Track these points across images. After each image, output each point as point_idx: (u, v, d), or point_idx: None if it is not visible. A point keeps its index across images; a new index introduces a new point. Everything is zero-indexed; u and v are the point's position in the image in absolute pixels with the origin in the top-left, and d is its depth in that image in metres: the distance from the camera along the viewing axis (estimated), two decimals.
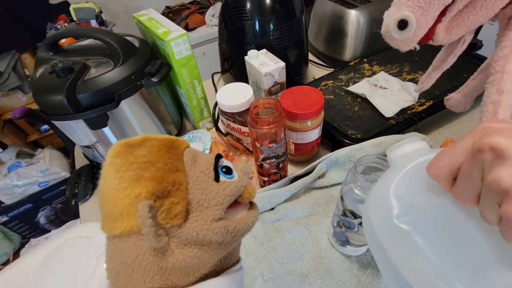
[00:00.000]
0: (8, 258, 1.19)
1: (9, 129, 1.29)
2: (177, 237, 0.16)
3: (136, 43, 0.51)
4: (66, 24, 1.38)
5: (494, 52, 0.31)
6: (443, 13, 0.29)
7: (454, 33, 0.30)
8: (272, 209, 0.46)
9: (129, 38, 0.52)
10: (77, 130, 0.47)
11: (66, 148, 1.30)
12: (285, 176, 0.48)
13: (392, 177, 0.21)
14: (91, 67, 0.47)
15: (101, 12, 1.35)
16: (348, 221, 0.33)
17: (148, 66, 0.48)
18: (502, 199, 0.14)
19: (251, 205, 0.21)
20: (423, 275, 0.18)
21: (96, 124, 0.46)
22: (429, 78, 0.40)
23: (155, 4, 1.58)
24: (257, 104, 0.40)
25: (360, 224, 0.32)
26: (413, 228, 0.19)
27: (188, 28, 1.40)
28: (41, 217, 1.21)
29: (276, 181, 0.47)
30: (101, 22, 1.33)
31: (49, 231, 1.23)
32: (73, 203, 0.53)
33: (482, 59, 0.60)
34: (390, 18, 0.30)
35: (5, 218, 1.13)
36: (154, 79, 0.48)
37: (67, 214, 1.25)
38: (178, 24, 1.40)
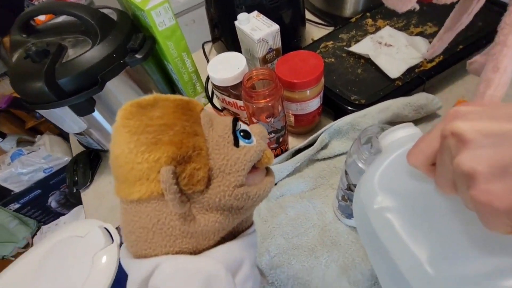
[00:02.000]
0: (28, 242, 1.24)
1: (5, 118, 1.27)
2: (199, 202, 0.16)
3: (115, 16, 0.46)
4: None
5: (503, 17, 0.27)
6: None
7: None
8: (275, 184, 0.45)
9: (105, 11, 0.47)
10: (65, 118, 0.45)
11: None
12: (286, 150, 0.46)
13: (378, 164, 0.20)
14: (68, 48, 0.43)
15: None
16: (353, 195, 0.31)
17: (130, 42, 0.44)
18: (468, 183, 0.13)
19: (267, 170, 0.21)
20: (405, 259, 0.18)
21: (83, 110, 0.43)
22: (441, 41, 0.36)
23: None
24: (250, 76, 0.37)
25: None
26: (394, 215, 0.18)
27: None
28: (52, 202, 1.24)
29: (277, 156, 0.45)
30: None
31: (63, 214, 1.27)
32: (74, 191, 0.53)
33: (501, 4, 0.54)
34: None
35: (17, 205, 1.16)
36: (138, 56, 0.44)
37: (77, 197, 1.27)
38: None
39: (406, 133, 0.21)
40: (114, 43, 0.43)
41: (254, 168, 0.19)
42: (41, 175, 1.15)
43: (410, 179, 0.19)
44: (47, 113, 0.44)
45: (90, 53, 0.41)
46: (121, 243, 0.26)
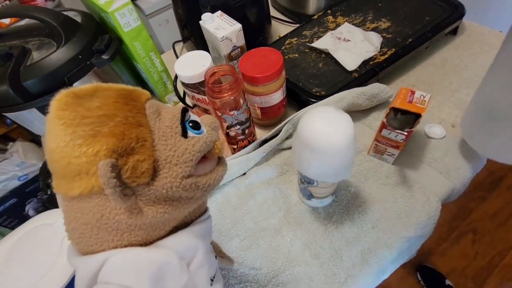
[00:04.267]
0: None
1: None
2: (145, 195, 0.16)
3: (79, 18, 0.47)
4: (7, 1, 1.24)
5: None
6: None
7: None
8: (244, 174, 0.47)
9: (70, 13, 0.48)
10: (34, 120, 0.45)
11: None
12: (253, 141, 0.49)
13: None
14: (32, 50, 0.43)
15: None
16: (307, 178, 0.35)
17: (95, 43, 0.45)
18: None
19: (219, 159, 0.21)
20: None
21: None
22: None
23: None
24: (213, 72, 0.39)
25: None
26: None
27: None
28: (30, 210, 1.20)
29: (245, 147, 0.48)
30: None
31: None
32: (49, 193, 0.53)
33: (447, 0, 0.59)
34: None
35: None
36: (104, 56, 0.45)
37: (55, 203, 1.24)
38: None
39: None
40: (79, 44, 0.44)
41: (204, 158, 0.19)
42: (16, 183, 1.11)
43: None
44: (15, 116, 0.44)
45: (55, 55, 0.42)
46: None
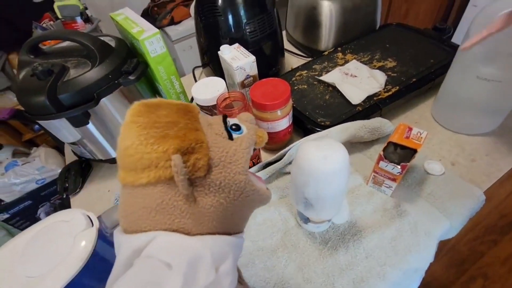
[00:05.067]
0: None
1: (3, 129, 1.32)
2: (201, 186, 0.19)
3: (113, 43, 0.54)
4: (51, 22, 1.38)
5: None
6: None
7: None
8: None
9: (106, 39, 0.54)
10: (62, 129, 0.50)
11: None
12: (258, 163, 0.51)
13: None
14: (70, 68, 0.49)
15: (86, 8, 1.35)
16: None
17: (125, 65, 0.51)
18: None
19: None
20: None
21: (78, 122, 0.49)
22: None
23: None
24: (224, 98, 0.43)
25: None
26: None
27: (173, 22, 1.40)
28: (41, 213, 1.25)
29: (249, 168, 0.50)
30: (87, 19, 1.33)
31: None
32: (64, 197, 0.57)
33: (452, 45, 0.62)
34: None
35: (6, 216, 1.18)
36: (131, 77, 0.50)
37: (67, 206, 1.29)
38: (163, 17, 1.41)
39: None
40: (110, 66, 0.49)
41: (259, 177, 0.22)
42: (33, 186, 1.18)
43: None
44: (46, 124, 0.49)
45: (88, 74, 0.48)
46: (99, 229, 0.31)
